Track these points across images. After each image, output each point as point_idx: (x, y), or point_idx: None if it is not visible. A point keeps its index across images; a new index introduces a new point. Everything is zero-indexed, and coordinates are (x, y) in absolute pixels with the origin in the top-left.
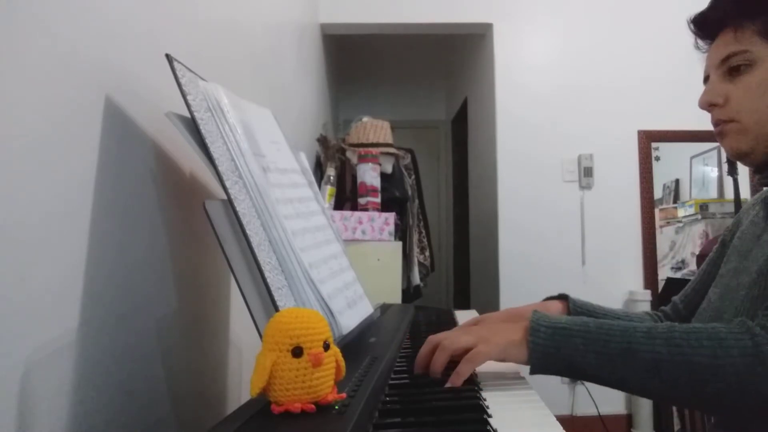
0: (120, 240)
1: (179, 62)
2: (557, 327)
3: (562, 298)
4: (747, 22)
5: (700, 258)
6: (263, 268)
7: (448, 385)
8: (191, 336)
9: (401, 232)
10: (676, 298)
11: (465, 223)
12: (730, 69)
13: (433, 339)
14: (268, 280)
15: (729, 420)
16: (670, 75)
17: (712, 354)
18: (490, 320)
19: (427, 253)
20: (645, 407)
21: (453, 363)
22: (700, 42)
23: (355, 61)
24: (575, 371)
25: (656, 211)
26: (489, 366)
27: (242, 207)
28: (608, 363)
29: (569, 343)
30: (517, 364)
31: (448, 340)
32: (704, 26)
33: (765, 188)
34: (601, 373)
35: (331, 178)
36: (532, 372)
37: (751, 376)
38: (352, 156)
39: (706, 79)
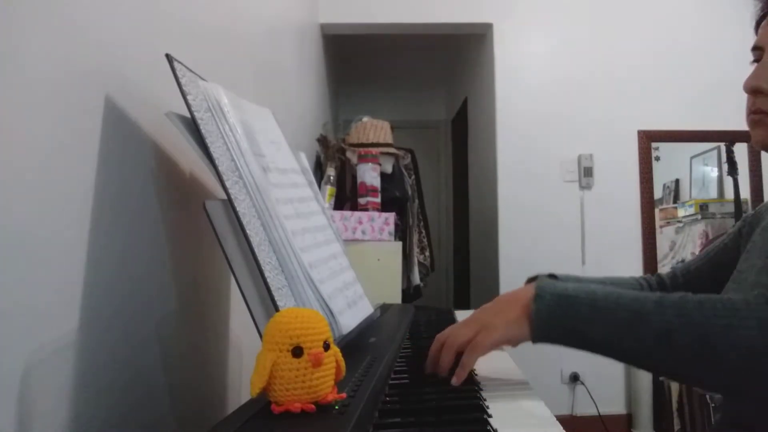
0: (120, 240)
1: (179, 62)
2: (563, 294)
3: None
4: None
5: None
6: (263, 268)
7: (454, 380)
8: (191, 336)
9: (401, 232)
10: (677, 270)
11: (465, 223)
12: None
13: (440, 337)
14: (268, 280)
15: (735, 414)
16: (670, 75)
17: (727, 324)
18: (487, 304)
19: (427, 253)
20: (645, 407)
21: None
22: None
23: (355, 61)
24: (579, 340)
25: (656, 211)
26: (489, 366)
27: (242, 207)
28: (615, 332)
29: (575, 311)
30: (521, 341)
31: (451, 337)
32: None
33: None
34: (607, 342)
35: (331, 178)
36: (534, 339)
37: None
38: (352, 156)
39: (756, 52)
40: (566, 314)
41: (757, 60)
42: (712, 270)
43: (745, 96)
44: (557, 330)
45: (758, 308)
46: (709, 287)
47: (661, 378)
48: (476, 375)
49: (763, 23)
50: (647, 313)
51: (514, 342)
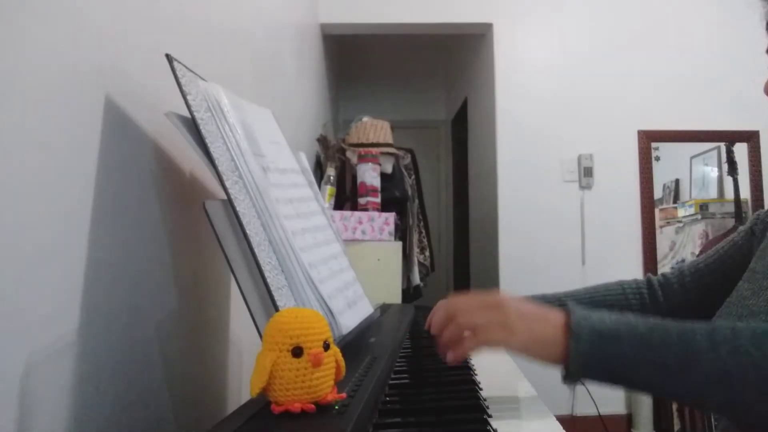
0: (120, 240)
1: (179, 62)
2: (603, 330)
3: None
4: None
5: None
6: (263, 268)
7: (450, 356)
8: (191, 336)
9: (401, 232)
10: (684, 269)
11: (465, 223)
12: None
13: (448, 308)
14: (268, 280)
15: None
16: (670, 75)
17: None
18: (516, 300)
19: (427, 253)
20: (645, 407)
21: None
22: None
23: (355, 61)
24: (620, 380)
25: (656, 211)
26: (488, 366)
27: (242, 207)
28: (663, 374)
29: (617, 350)
30: (542, 363)
31: (463, 315)
32: None
33: None
34: (652, 384)
35: (331, 178)
36: (567, 380)
37: None
38: (352, 156)
39: None
40: (607, 355)
41: None
42: (722, 268)
43: (744, 96)
44: (595, 371)
45: None
46: (720, 286)
47: None
48: (475, 375)
49: None
50: (699, 353)
51: (533, 360)
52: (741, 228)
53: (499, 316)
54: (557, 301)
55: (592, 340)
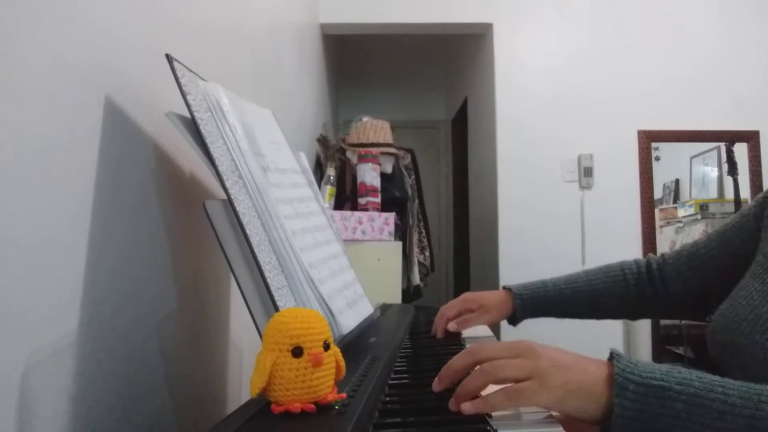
0: (120, 240)
1: (179, 62)
2: (651, 384)
3: (507, 289)
4: None
5: None
6: (263, 268)
7: (467, 406)
8: (191, 336)
9: (401, 232)
10: (683, 255)
11: (465, 223)
12: None
13: (476, 354)
14: (268, 280)
15: None
16: (670, 75)
17: None
18: (549, 349)
19: (427, 253)
20: None
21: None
22: None
23: (355, 61)
24: None
25: (656, 211)
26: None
27: (242, 207)
28: None
29: (667, 408)
30: (580, 419)
31: (492, 366)
32: None
33: None
34: None
35: (331, 178)
36: None
37: None
38: (352, 156)
39: None
40: (657, 414)
41: None
42: (724, 253)
43: (744, 96)
44: (643, 429)
45: None
46: (720, 271)
47: None
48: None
49: None
50: (763, 420)
51: (570, 415)
52: (744, 210)
53: (536, 364)
54: (558, 291)
55: (638, 395)
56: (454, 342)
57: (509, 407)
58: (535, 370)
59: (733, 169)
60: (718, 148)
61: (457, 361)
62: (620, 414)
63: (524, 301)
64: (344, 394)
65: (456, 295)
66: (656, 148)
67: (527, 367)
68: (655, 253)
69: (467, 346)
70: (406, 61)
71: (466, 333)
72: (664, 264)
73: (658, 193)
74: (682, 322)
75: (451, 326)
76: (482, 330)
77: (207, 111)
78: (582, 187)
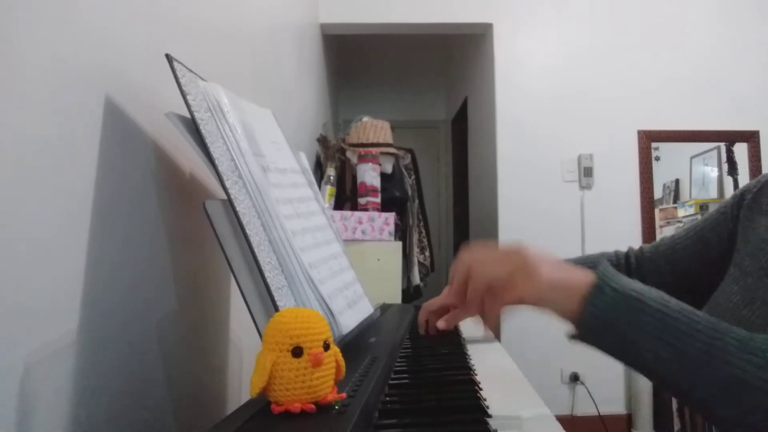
0: (120, 240)
1: (179, 62)
2: (628, 294)
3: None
4: None
5: None
6: (263, 268)
7: (487, 319)
8: (191, 336)
9: (401, 232)
10: (660, 249)
11: (465, 223)
12: None
13: (462, 267)
14: (268, 280)
15: None
16: (670, 75)
17: None
18: (539, 251)
19: (427, 253)
20: (645, 407)
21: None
22: None
23: (355, 61)
24: (627, 352)
25: (656, 211)
26: (489, 366)
27: (242, 207)
28: (678, 362)
29: (638, 320)
30: (554, 315)
31: (480, 272)
32: None
33: None
34: (662, 369)
35: (331, 178)
36: (575, 338)
37: None
38: (352, 156)
39: None
40: (627, 321)
41: None
42: (701, 249)
43: (744, 96)
44: (609, 336)
45: None
46: (695, 266)
47: None
48: (475, 375)
49: None
50: (724, 354)
51: (546, 310)
52: (722, 207)
53: (518, 260)
54: None
55: (613, 300)
56: (454, 341)
57: (498, 305)
58: (521, 264)
59: (733, 169)
60: (718, 148)
61: (457, 281)
62: (591, 313)
63: None
64: (344, 394)
65: None
66: (656, 148)
67: (514, 260)
68: None
69: (467, 346)
70: (406, 61)
71: (466, 333)
72: (642, 256)
73: (658, 193)
74: None
75: (440, 324)
76: (482, 330)
77: (207, 111)
78: (582, 187)
